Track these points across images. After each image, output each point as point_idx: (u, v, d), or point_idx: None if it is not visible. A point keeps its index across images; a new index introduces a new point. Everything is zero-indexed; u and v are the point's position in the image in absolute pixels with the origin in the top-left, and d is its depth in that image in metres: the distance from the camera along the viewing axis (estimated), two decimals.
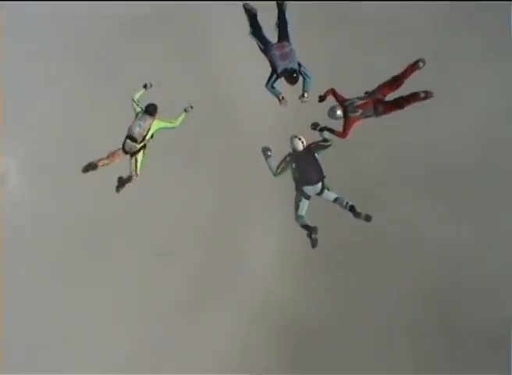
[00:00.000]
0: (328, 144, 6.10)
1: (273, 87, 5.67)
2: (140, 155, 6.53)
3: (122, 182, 6.60)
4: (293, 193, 6.14)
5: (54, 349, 8.66)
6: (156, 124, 6.44)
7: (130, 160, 6.54)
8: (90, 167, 6.23)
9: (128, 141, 6.44)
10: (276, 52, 5.33)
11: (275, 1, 5.50)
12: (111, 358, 8.63)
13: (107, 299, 8.92)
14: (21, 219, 9.01)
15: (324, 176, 6.04)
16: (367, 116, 5.95)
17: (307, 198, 6.05)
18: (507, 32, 7.85)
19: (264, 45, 5.40)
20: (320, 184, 6.00)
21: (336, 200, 6.01)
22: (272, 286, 9.07)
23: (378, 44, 8.64)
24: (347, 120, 5.93)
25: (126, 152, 6.46)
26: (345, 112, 5.94)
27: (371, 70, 7.56)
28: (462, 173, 8.41)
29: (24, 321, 8.63)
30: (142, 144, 6.46)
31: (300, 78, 5.63)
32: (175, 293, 9.12)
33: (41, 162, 8.99)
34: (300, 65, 5.52)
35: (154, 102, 6.52)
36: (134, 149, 6.47)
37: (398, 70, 5.83)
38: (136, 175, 6.57)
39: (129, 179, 6.60)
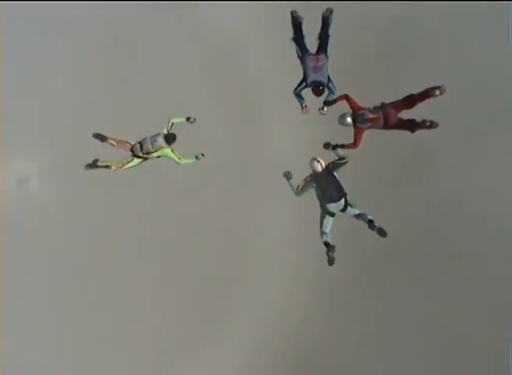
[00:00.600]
0: (344, 161, 6.26)
1: (299, 95, 5.94)
2: (137, 160, 6.81)
3: (95, 164, 6.79)
4: (311, 210, 6.29)
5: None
6: (166, 152, 6.73)
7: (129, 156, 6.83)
8: (100, 137, 6.68)
9: (138, 145, 6.77)
10: (310, 64, 5.57)
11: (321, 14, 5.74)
12: None
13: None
14: (43, 221, 9.10)
15: (345, 193, 6.17)
16: (376, 128, 6.06)
17: (332, 215, 6.25)
18: None
19: (302, 53, 5.64)
20: (343, 201, 6.16)
21: (358, 216, 6.13)
22: (284, 304, 8.75)
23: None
24: (356, 130, 6.08)
25: (131, 150, 6.79)
26: (354, 121, 6.04)
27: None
28: None
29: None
30: (145, 156, 6.78)
31: (326, 91, 5.91)
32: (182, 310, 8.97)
33: (63, 164, 9.06)
34: (329, 79, 5.76)
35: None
36: (137, 153, 6.77)
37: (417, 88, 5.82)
38: (118, 169, 6.77)
39: (107, 166, 6.80)
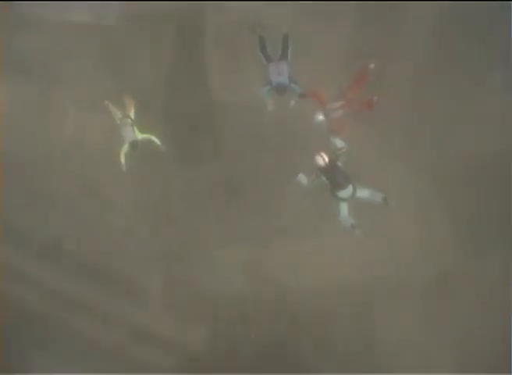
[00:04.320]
0: (343, 150, 6.79)
1: (266, 95, 7.02)
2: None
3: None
4: None
5: None
6: None
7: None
8: None
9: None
10: (274, 69, 6.70)
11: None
12: None
13: None
14: None
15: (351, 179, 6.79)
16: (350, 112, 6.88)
17: (345, 200, 6.81)
18: None
19: (267, 61, 6.83)
20: (351, 186, 6.73)
21: (370, 196, 6.82)
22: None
23: None
24: (333, 122, 6.92)
25: None
26: (328, 115, 6.88)
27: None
28: None
29: None
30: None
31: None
32: None
33: None
34: (291, 79, 6.77)
35: None
36: None
37: None
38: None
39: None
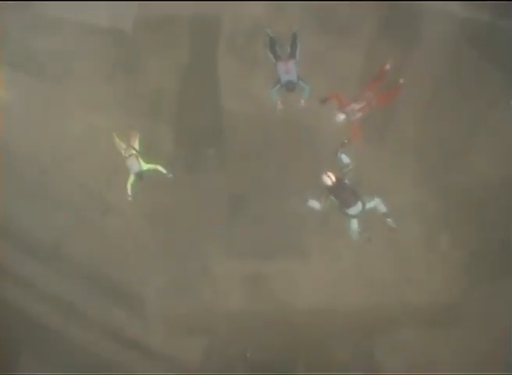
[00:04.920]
0: (349, 167, 6.72)
1: (275, 94, 7.07)
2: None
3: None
4: None
5: None
6: None
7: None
8: None
9: None
10: (283, 67, 6.85)
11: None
12: None
13: None
14: None
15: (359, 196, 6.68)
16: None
17: (354, 217, 6.72)
18: None
19: (276, 60, 7.01)
20: (359, 203, 6.63)
21: (375, 208, 6.71)
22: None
23: None
24: (351, 124, 6.90)
25: None
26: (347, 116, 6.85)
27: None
28: None
29: None
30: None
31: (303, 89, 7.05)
32: None
33: None
34: (299, 78, 6.88)
35: None
36: None
37: None
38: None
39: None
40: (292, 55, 6.95)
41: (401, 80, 6.99)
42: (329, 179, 6.63)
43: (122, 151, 7.12)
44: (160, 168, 7.12)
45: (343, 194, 6.66)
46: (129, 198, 7.15)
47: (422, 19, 7.83)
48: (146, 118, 7.90)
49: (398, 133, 7.65)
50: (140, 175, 6.99)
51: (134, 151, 7.08)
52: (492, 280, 7.41)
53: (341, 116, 6.85)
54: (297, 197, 7.14)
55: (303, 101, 7.12)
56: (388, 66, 7.00)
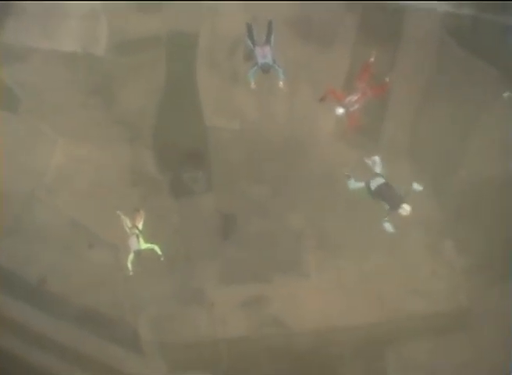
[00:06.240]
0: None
1: (251, 75, 7.38)
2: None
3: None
4: None
5: None
6: None
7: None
8: None
9: None
10: (260, 51, 7.30)
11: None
12: None
13: None
14: None
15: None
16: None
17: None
18: None
19: (253, 45, 7.41)
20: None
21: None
22: None
23: None
24: (349, 115, 7.08)
25: None
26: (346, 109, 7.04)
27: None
28: None
29: None
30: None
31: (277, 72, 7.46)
32: None
33: None
34: (274, 61, 7.31)
35: None
36: None
37: None
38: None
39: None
40: (267, 42, 7.41)
41: (387, 79, 7.23)
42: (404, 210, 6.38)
43: (128, 230, 7.34)
44: (156, 248, 7.34)
45: (390, 195, 6.48)
46: (131, 273, 7.30)
47: (402, 16, 7.84)
48: (126, 143, 7.77)
49: (391, 133, 7.64)
50: (138, 253, 7.26)
51: (137, 230, 7.31)
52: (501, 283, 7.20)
53: (340, 110, 7.07)
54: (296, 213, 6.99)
55: (281, 83, 7.45)
56: (372, 59, 7.14)
